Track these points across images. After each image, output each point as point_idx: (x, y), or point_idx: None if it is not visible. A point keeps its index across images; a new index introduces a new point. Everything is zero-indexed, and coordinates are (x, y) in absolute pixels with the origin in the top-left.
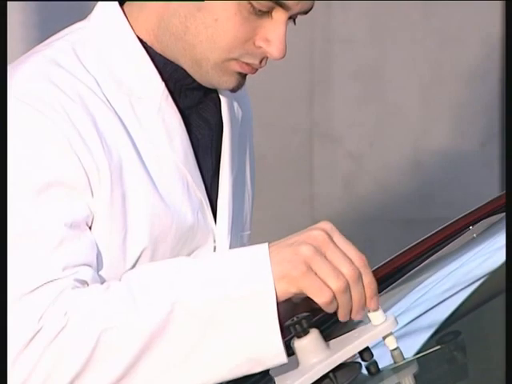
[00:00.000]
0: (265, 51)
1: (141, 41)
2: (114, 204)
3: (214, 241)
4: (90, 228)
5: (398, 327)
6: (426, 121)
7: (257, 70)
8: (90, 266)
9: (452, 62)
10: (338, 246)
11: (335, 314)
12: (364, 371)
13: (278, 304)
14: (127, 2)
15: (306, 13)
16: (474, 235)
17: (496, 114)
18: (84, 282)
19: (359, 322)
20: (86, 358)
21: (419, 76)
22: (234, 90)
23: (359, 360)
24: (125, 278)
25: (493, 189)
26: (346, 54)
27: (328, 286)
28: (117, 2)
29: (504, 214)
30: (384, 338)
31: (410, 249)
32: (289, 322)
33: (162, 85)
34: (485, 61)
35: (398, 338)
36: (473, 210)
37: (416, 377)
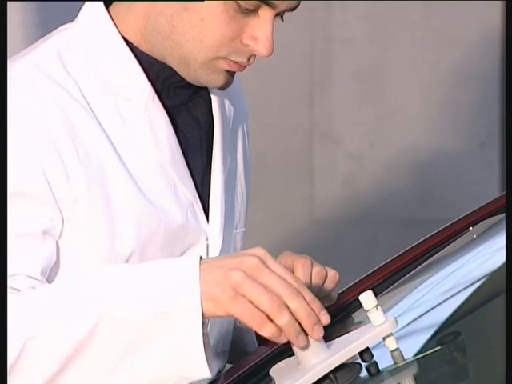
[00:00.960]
0: (252, 49)
1: (127, 41)
2: (94, 210)
3: (207, 239)
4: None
5: (398, 328)
6: (425, 121)
7: (245, 67)
8: (31, 276)
9: (452, 62)
10: (272, 271)
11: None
12: (364, 372)
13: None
14: (115, 2)
15: (292, 10)
16: (474, 236)
17: (496, 114)
18: (17, 291)
19: (359, 323)
20: (11, 365)
21: (419, 76)
22: (222, 88)
23: (359, 361)
24: (57, 283)
25: (493, 189)
26: (346, 54)
27: (260, 310)
28: (102, 3)
29: (504, 214)
30: (384, 338)
31: (410, 249)
32: None
33: (149, 85)
34: (484, 61)
35: (398, 339)
36: (473, 210)
37: (416, 377)
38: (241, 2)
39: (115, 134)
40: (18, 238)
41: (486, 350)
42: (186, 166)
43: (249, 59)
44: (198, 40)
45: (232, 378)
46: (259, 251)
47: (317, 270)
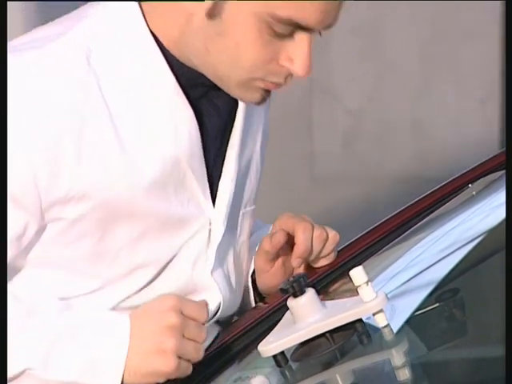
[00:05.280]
0: (289, 69)
1: (155, 37)
2: (92, 211)
3: (210, 223)
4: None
5: (397, 285)
6: (425, 77)
7: (281, 85)
8: None
9: (452, 17)
10: (189, 317)
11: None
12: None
13: None
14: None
15: (329, 27)
16: (473, 193)
17: (496, 70)
18: None
19: (354, 289)
20: None
21: (418, 32)
22: (258, 104)
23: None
24: (18, 311)
25: (492, 146)
26: (345, 10)
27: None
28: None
29: (503, 171)
30: (374, 314)
31: (409, 207)
32: (285, 282)
33: (173, 79)
34: (485, 16)
35: (397, 296)
36: (472, 167)
37: (415, 334)
38: (275, 28)
39: (130, 130)
40: None
41: (484, 306)
42: (203, 160)
43: (286, 79)
44: (232, 62)
45: (231, 335)
46: (172, 301)
47: (317, 233)
